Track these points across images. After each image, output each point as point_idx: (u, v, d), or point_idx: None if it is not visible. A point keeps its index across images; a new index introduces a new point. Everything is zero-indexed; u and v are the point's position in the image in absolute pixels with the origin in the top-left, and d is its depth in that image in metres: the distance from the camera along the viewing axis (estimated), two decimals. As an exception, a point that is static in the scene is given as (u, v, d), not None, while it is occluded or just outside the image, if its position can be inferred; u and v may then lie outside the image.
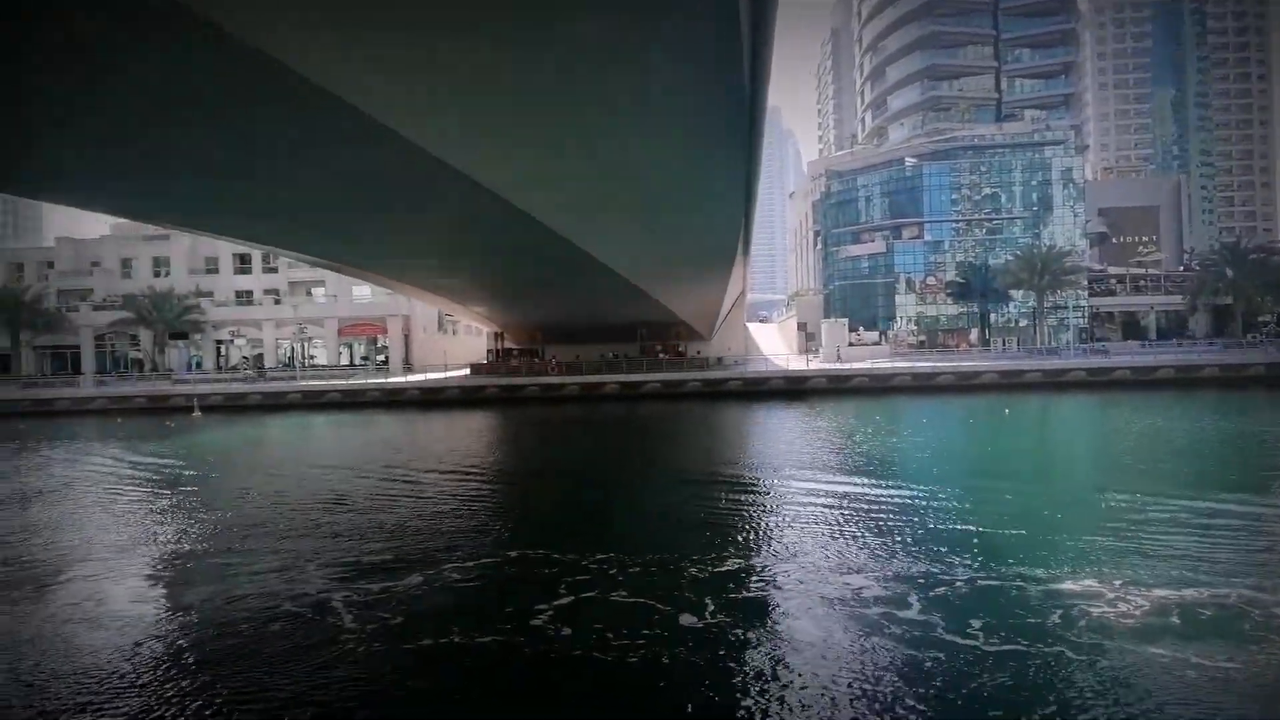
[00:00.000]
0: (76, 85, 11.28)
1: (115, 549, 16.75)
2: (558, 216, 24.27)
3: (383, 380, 61.11)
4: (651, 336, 66.30)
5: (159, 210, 25.74)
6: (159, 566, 15.45)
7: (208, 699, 9.48)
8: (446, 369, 69.00)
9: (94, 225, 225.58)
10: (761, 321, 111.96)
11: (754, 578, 13.55)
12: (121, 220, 70.84)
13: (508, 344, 70.79)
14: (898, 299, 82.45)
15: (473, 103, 13.57)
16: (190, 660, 10.63)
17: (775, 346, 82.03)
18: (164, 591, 13.87)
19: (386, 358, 73.11)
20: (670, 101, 14.93)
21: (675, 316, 58.70)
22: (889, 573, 13.36)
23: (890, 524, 16.74)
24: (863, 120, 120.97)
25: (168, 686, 9.85)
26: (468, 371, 65.92)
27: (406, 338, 73.95)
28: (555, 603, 12.39)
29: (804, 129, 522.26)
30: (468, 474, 25.76)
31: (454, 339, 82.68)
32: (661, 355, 65.20)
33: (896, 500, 19.16)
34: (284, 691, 9.62)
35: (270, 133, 14.71)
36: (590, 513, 19.98)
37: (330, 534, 17.38)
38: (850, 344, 70.28)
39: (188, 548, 16.61)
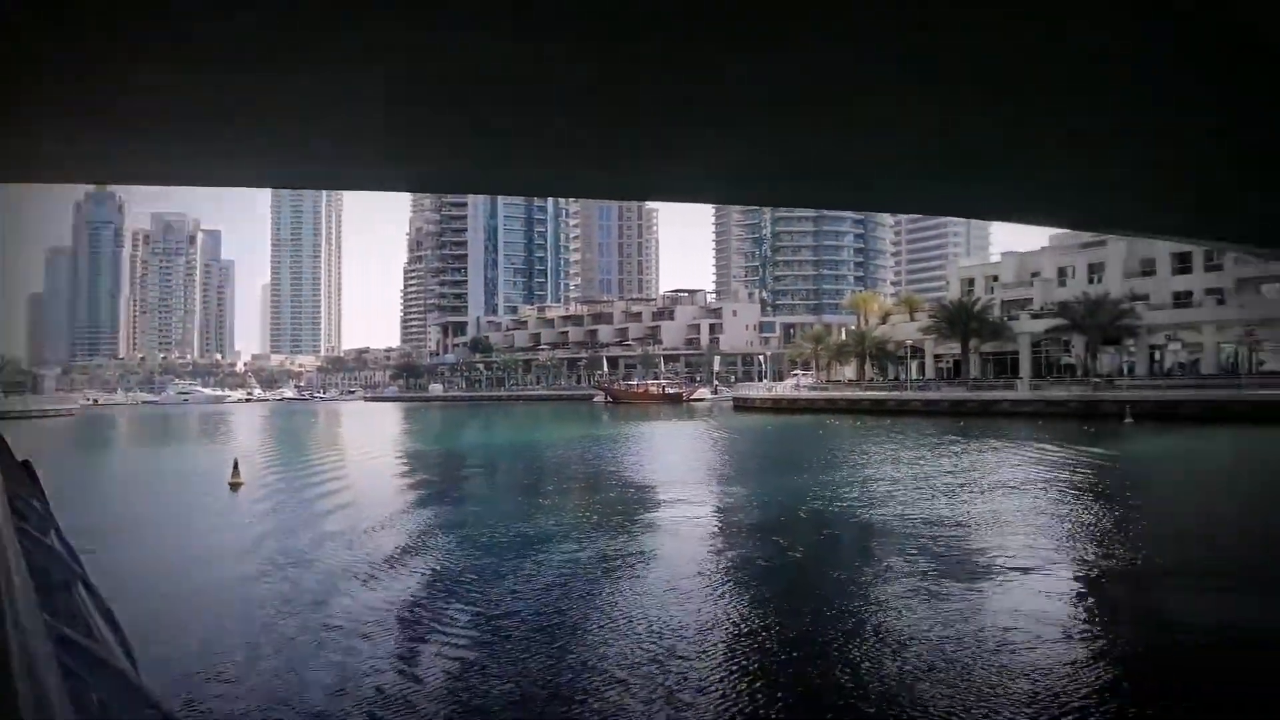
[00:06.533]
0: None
1: (1041, 548, 16.73)
2: None
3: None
4: None
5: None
6: (1092, 575, 14.98)
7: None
8: None
9: (1035, 238, 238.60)
10: None
11: None
12: (1059, 231, 73.37)
13: None
14: None
15: None
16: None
17: None
18: (1094, 601, 13.34)
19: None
20: None
21: None
22: None
23: None
24: None
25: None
26: None
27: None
28: None
29: None
30: None
31: None
32: None
33: None
34: None
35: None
36: None
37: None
38: None
39: (1112, 565, 15.84)
